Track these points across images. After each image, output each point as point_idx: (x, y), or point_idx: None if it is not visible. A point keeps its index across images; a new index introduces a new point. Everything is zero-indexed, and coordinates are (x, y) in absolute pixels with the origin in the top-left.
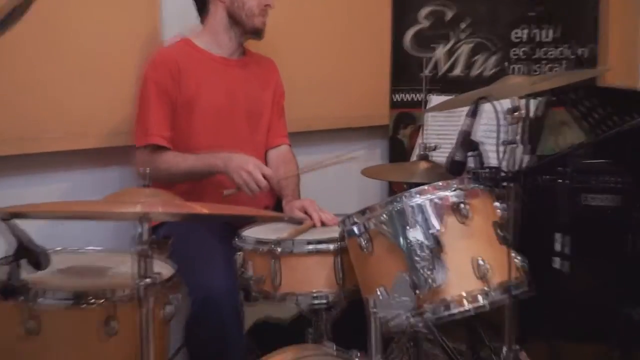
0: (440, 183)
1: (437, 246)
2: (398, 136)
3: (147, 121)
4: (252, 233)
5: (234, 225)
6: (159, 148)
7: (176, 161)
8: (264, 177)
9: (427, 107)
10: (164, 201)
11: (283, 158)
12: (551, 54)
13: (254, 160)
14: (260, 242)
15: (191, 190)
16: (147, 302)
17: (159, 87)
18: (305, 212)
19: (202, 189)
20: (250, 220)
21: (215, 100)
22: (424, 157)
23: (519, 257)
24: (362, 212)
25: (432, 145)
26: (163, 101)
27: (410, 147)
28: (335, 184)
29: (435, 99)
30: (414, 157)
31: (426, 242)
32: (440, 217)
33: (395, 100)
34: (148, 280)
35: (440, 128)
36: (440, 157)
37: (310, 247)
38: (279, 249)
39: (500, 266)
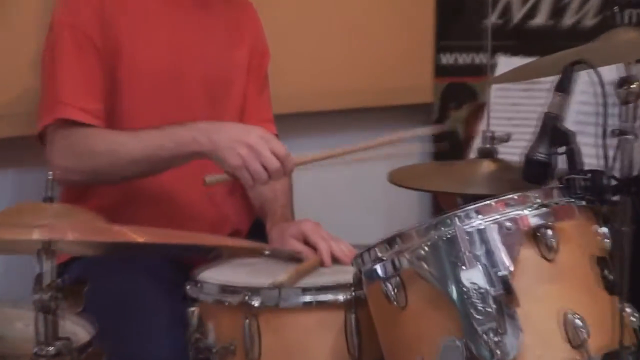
0: (513, 196)
1: (507, 296)
2: (447, 121)
3: (58, 87)
4: (214, 275)
5: (184, 263)
6: (84, 128)
7: (124, 140)
8: (275, 156)
9: (494, 76)
10: (77, 223)
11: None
12: None
13: (258, 130)
14: (227, 289)
15: (118, 206)
16: None
17: (77, 33)
18: (306, 243)
19: (135, 203)
20: (210, 255)
21: (155, 59)
22: (489, 154)
23: (636, 314)
24: (390, 241)
25: (502, 135)
26: (85, 54)
27: (466, 138)
28: (348, 196)
29: (506, 63)
30: (472, 154)
31: (491, 290)
32: (513, 250)
33: (442, 63)
34: (51, 348)
35: (514, 108)
36: (514, 153)
37: (308, 298)
38: (257, 302)
39: (604, 326)
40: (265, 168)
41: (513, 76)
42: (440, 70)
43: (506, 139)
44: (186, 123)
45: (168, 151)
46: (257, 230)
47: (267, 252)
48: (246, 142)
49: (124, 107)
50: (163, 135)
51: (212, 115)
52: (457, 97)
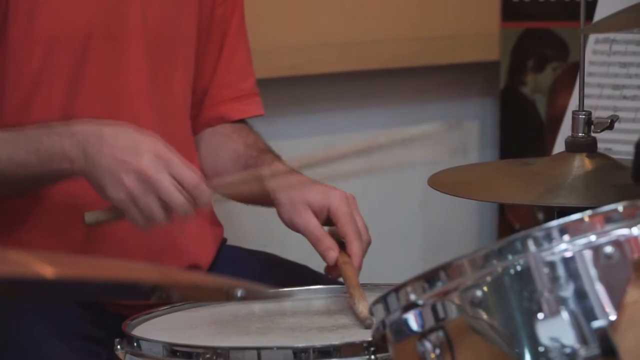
0: (617, 207)
1: (606, 358)
2: (522, 90)
3: None
4: (158, 330)
5: (110, 311)
6: None
7: None
8: (182, 185)
9: (593, 21)
10: None
11: (238, 147)
12: None
13: (154, 146)
14: (179, 351)
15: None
16: None
17: None
18: (330, 223)
19: (35, 209)
20: (153, 298)
21: (74, 14)
22: (583, 146)
23: None
24: (430, 277)
25: (604, 118)
26: None
27: (551, 121)
28: (366, 210)
29: (609, 2)
30: (559, 146)
31: (582, 350)
32: (616, 290)
33: (514, 0)
34: None
35: (624, 72)
36: (622, 141)
37: None
38: None
39: None
40: (166, 204)
41: (623, 21)
42: (512, 11)
43: (609, 123)
44: (59, 125)
45: (29, 168)
46: (225, 260)
47: (239, 294)
48: (134, 167)
49: (16, 88)
50: (26, 142)
51: (154, 97)
52: (537, 53)
